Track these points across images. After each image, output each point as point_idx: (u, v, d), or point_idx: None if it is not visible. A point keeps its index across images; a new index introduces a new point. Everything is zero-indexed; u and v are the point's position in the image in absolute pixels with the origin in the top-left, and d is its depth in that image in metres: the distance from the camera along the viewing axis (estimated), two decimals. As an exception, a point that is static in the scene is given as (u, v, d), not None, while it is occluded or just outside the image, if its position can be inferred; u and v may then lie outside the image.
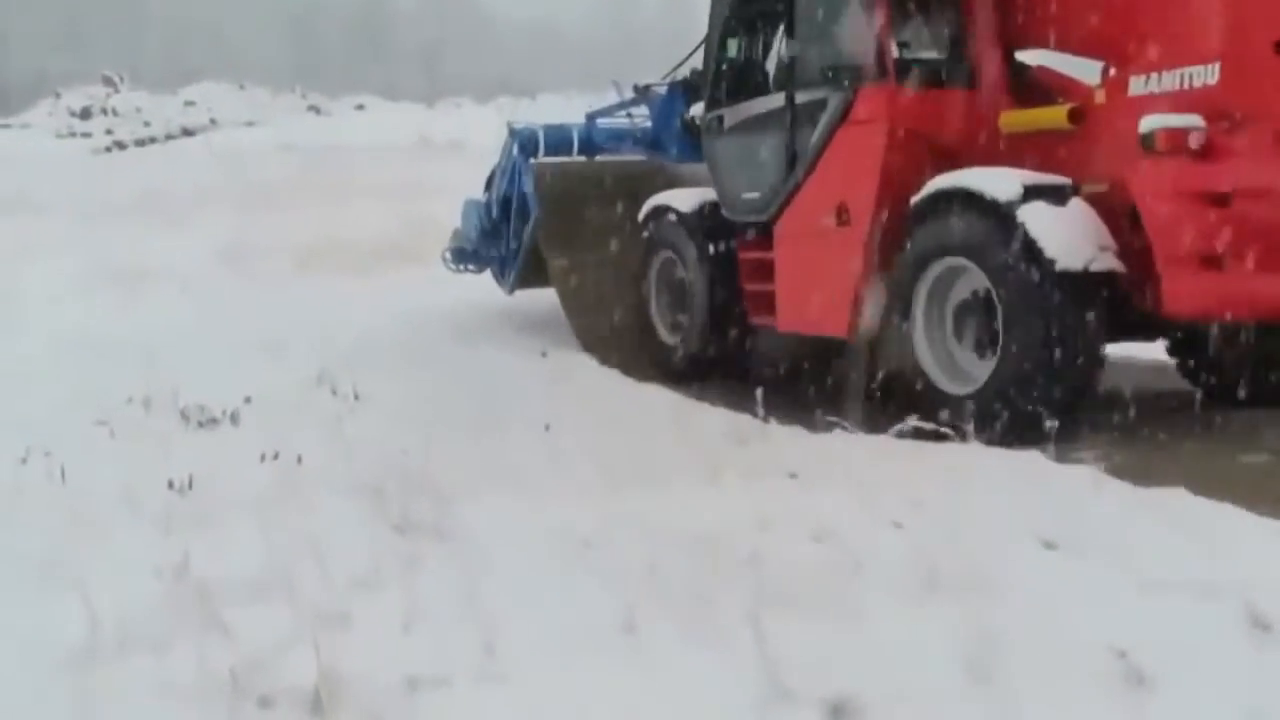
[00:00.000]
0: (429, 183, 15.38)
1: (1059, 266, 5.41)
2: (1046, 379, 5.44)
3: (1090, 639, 3.01)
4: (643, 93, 9.51)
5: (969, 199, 5.76)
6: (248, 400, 6.44)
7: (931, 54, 6.74)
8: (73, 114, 34.75)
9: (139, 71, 38.50)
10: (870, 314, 6.53)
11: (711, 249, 7.84)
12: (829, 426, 5.64)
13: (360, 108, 37.01)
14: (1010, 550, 3.66)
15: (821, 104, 6.76)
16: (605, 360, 8.22)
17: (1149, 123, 5.28)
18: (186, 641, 3.15)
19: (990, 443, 5.13)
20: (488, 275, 10.21)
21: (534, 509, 4.35)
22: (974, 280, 5.88)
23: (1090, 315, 5.48)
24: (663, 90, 9.33)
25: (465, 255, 10.26)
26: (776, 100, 7.21)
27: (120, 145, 31.34)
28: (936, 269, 6.04)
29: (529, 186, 9.18)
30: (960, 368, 6.04)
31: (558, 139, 9.56)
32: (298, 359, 7.64)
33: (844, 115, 6.62)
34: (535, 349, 8.50)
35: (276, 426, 5.73)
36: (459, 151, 21.15)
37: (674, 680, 2.99)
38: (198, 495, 4.69)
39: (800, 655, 2.99)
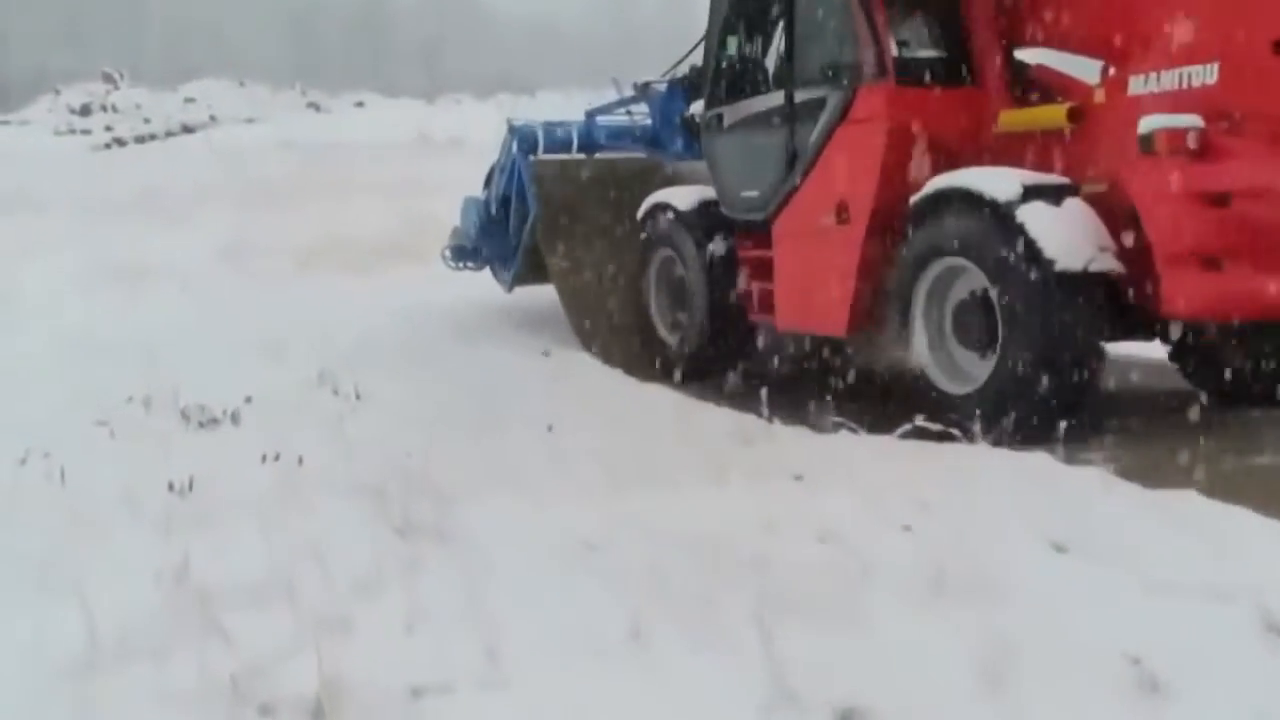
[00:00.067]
0: (429, 180, 15.34)
1: (1058, 267, 5.41)
2: (1046, 379, 5.42)
3: (1102, 644, 2.98)
4: (642, 90, 9.49)
5: (968, 199, 5.75)
6: (248, 400, 6.40)
7: (931, 52, 6.71)
8: (72, 111, 34.71)
9: (139, 68, 38.45)
10: (869, 313, 6.48)
11: (710, 247, 7.81)
12: (834, 426, 5.60)
13: (360, 105, 36.97)
14: (1019, 553, 3.62)
15: (821, 102, 6.74)
16: (607, 359, 8.19)
17: (1148, 123, 5.27)
18: (186, 648, 3.11)
19: (997, 443, 5.09)
20: (487, 273, 10.18)
21: (536, 510, 4.32)
22: (973, 280, 5.87)
23: (1089, 315, 5.48)
24: (662, 88, 9.31)
25: (465, 253, 10.24)
26: (776, 98, 7.19)
27: (120, 142, 31.31)
28: (936, 269, 6.03)
29: (528, 184, 9.15)
30: (960, 367, 6.03)
31: (557, 136, 9.54)
32: (298, 358, 7.60)
33: (843, 114, 6.60)
34: (536, 347, 8.46)
35: (277, 426, 5.70)
36: (459, 148, 21.09)
37: (679, 686, 2.96)
38: (198, 497, 4.65)
39: (807, 660, 2.95)
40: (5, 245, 12.96)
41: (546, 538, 3.94)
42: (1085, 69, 6.09)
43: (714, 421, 6.20)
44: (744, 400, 6.56)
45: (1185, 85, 5.38)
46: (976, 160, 6.09)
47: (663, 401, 6.94)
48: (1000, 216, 5.57)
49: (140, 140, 31.30)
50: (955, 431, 5.10)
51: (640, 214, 8.56)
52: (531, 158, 9.31)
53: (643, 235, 8.53)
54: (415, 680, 2.95)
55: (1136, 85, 5.63)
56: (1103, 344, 5.61)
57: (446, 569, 3.67)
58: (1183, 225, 5.20)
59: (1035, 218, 5.50)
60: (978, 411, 5.51)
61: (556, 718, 2.86)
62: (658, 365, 8.19)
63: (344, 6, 57.47)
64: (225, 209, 15.70)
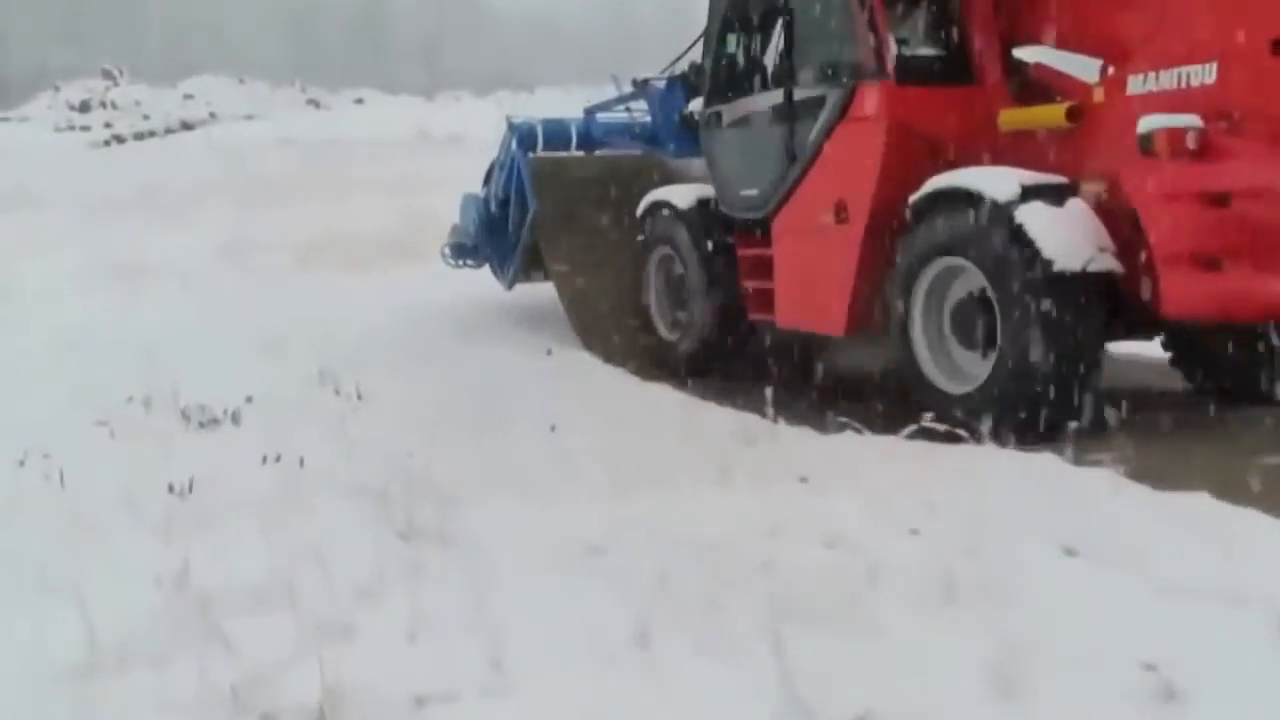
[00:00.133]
0: (429, 177, 15.31)
1: (1057, 267, 5.39)
2: (1045, 379, 5.40)
3: (1117, 650, 2.93)
4: (641, 87, 9.46)
5: (967, 198, 5.73)
6: (249, 400, 6.36)
7: (930, 51, 6.69)
8: (71, 107, 34.68)
9: (138, 65, 38.43)
10: (868, 312, 6.45)
11: (710, 245, 7.79)
12: (838, 426, 5.56)
13: (360, 101, 36.95)
14: (1030, 557, 3.58)
15: (820, 101, 6.71)
16: (607, 357, 8.15)
17: (1147, 123, 5.24)
18: (187, 654, 3.08)
19: (1004, 444, 5.05)
20: (487, 270, 10.15)
21: (540, 513, 4.28)
22: (972, 280, 5.84)
23: (1088, 315, 5.45)
24: (661, 85, 9.28)
25: (464, 250, 10.20)
26: (775, 96, 7.15)
27: (119, 139, 31.29)
28: (934, 268, 6.01)
29: (528, 181, 9.11)
30: (959, 367, 6.00)
31: (556, 133, 9.52)
32: (299, 357, 7.56)
33: (842, 112, 6.57)
34: (538, 346, 8.42)
35: (278, 427, 5.66)
36: (458, 145, 21.07)
37: (687, 693, 2.92)
38: (198, 498, 4.62)
39: (817, 667, 2.91)
40: (5, 243, 12.93)
41: (550, 541, 3.90)
42: (1084, 68, 6.06)
43: (717, 421, 6.16)
44: (746, 399, 6.51)
45: (1184, 85, 5.35)
46: (976, 159, 6.06)
47: (665, 401, 6.90)
48: (999, 216, 5.55)
49: (140, 137, 31.29)
50: (962, 432, 5.06)
51: (639, 212, 8.53)
52: (531, 155, 9.28)
53: (642, 233, 8.50)
54: (419, 688, 2.91)
55: (1135, 85, 5.60)
56: (1102, 344, 5.59)
57: (449, 573, 3.63)
58: (1182, 225, 5.17)
59: (1034, 217, 5.48)
60: (977, 411, 5.49)
61: (562, 727, 2.82)
62: (658, 363, 8.14)
63: (344, 3, 57.49)
64: (225, 206, 15.67)
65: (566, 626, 3.24)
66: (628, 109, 9.66)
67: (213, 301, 10.36)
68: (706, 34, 8.07)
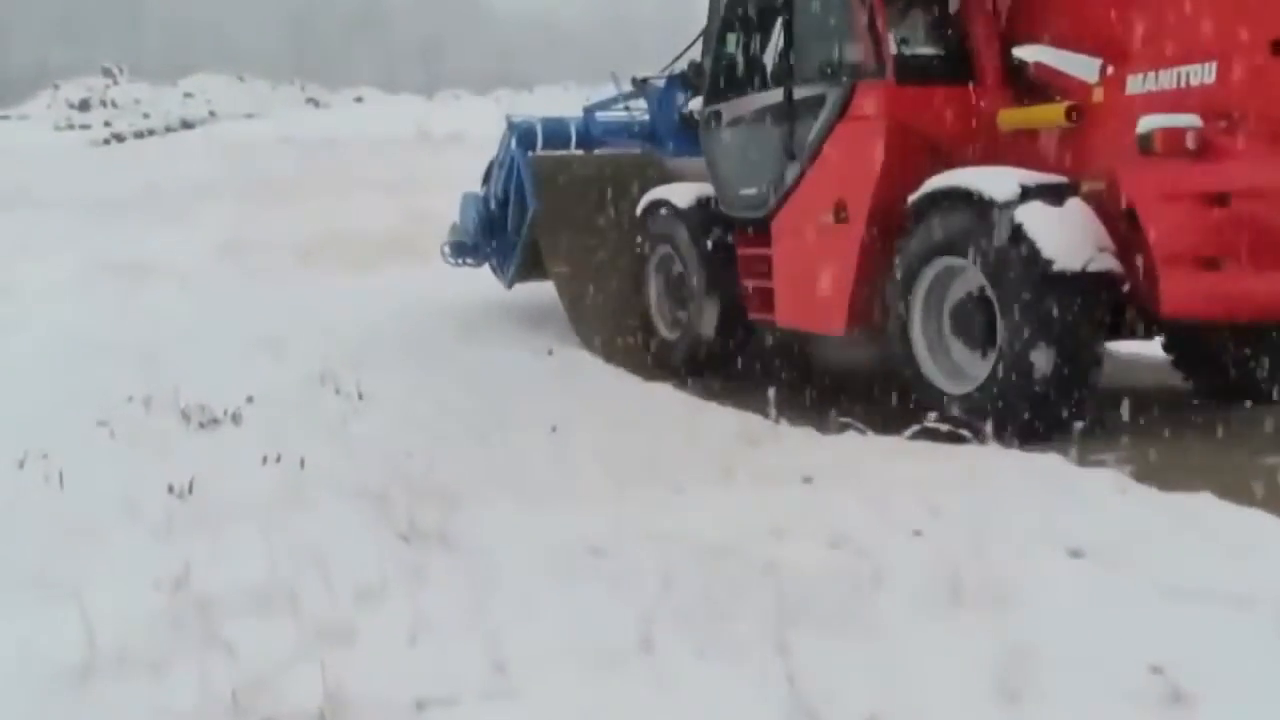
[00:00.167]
0: (428, 175, 15.29)
1: (1057, 267, 5.38)
2: (1044, 379, 5.39)
3: (1123, 653, 2.91)
4: (641, 86, 9.44)
5: (966, 198, 5.72)
6: (250, 400, 6.32)
7: (930, 50, 6.67)
8: (71, 106, 34.70)
9: (138, 63, 38.49)
10: (868, 312, 6.45)
11: (709, 244, 7.76)
12: (841, 427, 5.54)
13: (359, 100, 36.98)
14: (1035, 559, 3.55)
15: (820, 100, 6.69)
16: (607, 356, 8.13)
17: (1146, 123, 5.22)
18: (186, 659, 3.05)
19: (1007, 445, 5.03)
20: (487, 269, 10.12)
21: (542, 515, 4.25)
22: (972, 279, 5.83)
23: (1088, 315, 5.44)
24: (660, 83, 9.26)
25: (464, 249, 10.18)
26: (774, 95, 7.12)
27: (119, 138, 31.30)
28: (934, 268, 6.00)
29: (527, 180, 9.09)
30: (958, 367, 5.99)
31: (556, 132, 9.49)
32: (299, 356, 7.53)
33: (842, 111, 6.55)
34: (539, 345, 8.39)
35: (279, 427, 5.63)
36: (458, 143, 21.07)
37: (691, 697, 2.90)
38: (198, 500, 4.58)
39: (823, 672, 2.90)
40: (4, 242, 12.91)
41: (552, 543, 3.88)
42: (1084, 67, 6.05)
43: (719, 422, 6.13)
44: (748, 398, 6.50)
45: (1183, 84, 5.34)
46: (975, 159, 6.05)
47: (667, 401, 6.88)
48: (999, 216, 5.55)
49: (140, 136, 31.30)
50: (965, 432, 5.04)
51: (639, 210, 8.50)
52: (530, 154, 9.25)
53: (641, 232, 8.47)
54: (420, 692, 2.89)
55: (1135, 84, 5.60)
56: (1101, 344, 5.58)
57: (451, 576, 3.61)
58: (1181, 225, 5.16)
59: (1034, 217, 5.47)
60: (976, 411, 5.48)
61: (566, 732, 2.80)
62: (658, 363, 8.12)
63: (344, 2, 57.52)
64: (225, 205, 15.67)
65: (569, 629, 3.21)
66: (627, 108, 9.65)
67: (213, 300, 10.33)
68: (706, 33, 8.05)
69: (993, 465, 4.70)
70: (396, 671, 3.00)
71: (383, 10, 57.66)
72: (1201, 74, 5.26)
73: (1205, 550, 3.61)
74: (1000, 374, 5.57)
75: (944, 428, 5.10)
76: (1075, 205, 5.57)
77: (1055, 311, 5.37)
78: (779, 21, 7.23)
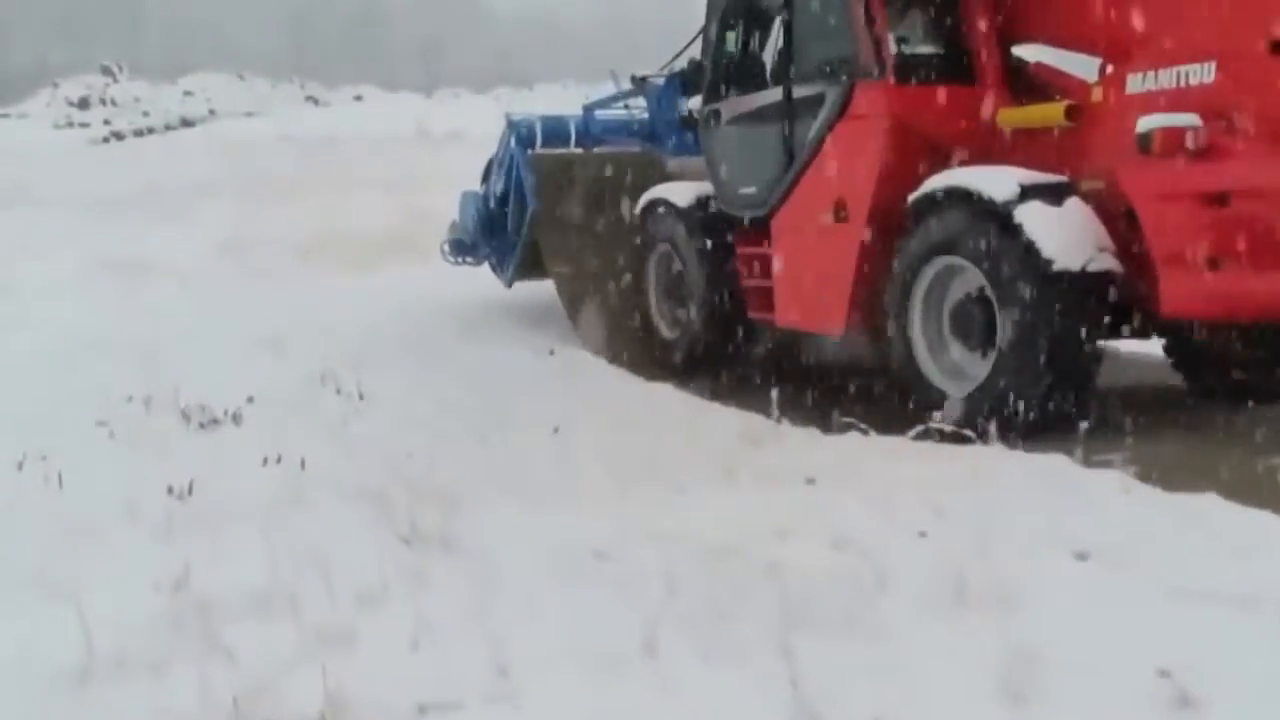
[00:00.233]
0: (428, 174, 15.26)
1: (1056, 266, 5.36)
2: (1044, 379, 5.38)
3: (1130, 656, 2.89)
4: (640, 84, 9.42)
5: (966, 198, 5.70)
6: (250, 400, 6.30)
7: (929, 48, 6.65)
8: (71, 104, 34.69)
9: (138, 61, 38.51)
10: (867, 312, 6.43)
11: (709, 243, 7.74)
12: (843, 427, 5.51)
13: (359, 98, 36.97)
14: (1041, 560, 3.53)
15: (819, 99, 6.67)
16: (606, 355, 8.11)
17: (1146, 123, 5.20)
18: (186, 662, 3.03)
19: (1011, 445, 5.01)
20: (487, 267, 10.10)
21: (544, 517, 4.23)
22: (971, 279, 5.81)
23: (1087, 315, 5.43)
24: (660, 82, 9.24)
25: (463, 247, 10.17)
26: (774, 94, 7.10)
27: (118, 136, 31.30)
28: (933, 268, 5.98)
29: (526, 178, 9.07)
30: (958, 366, 5.97)
31: (555, 130, 9.48)
32: (300, 356, 7.51)
33: (841, 110, 6.53)
34: (540, 344, 8.37)
35: (279, 427, 5.60)
36: (457, 142, 21.07)
37: (695, 700, 2.88)
38: (198, 501, 4.55)
39: (827, 675, 2.88)
40: (4, 240, 12.89)
41: (555, 545, 3.85)
42: (1083, 66, 6.04)
43: (722, 422, 6.10)
44: (750, 398, 6.48)
45: (1182, 84, 5.33)
46: (975, 158, 6.04)
47: (669, 401, 6.84)
48: (998, 216, 5.53)
49: (139, 134, 31.30)
50: (969, 433, 5.02)
51: (638, 209, 8.48)
52: (530, 152, 9.23)
53: (641, 231, 8.45)
54: (422, 697, 2.86)
55: (1134, 84, 5.58)
56: (1101, 343, 5.57)
57: (453, 579, 3.59)
58: (1180, 225, 5.14)
59: (1033, 217, 5.45)
60: (976, 411, 5.47)
61: (569, 736, 2.78)
62: (658, 362, 8.09)
63: (343, 1, 57.48)
64: (225, 203, 15.64)
65: (571, 632, 3.19)
66: (626, 106, 9.64)
67: (213, 299, 10.31)
68: (705, 31, 8.02)
69: (997, 465, 4.68)
70: (398, 675, 2.98)
71: (382, 9, 57.64)
72: (1200, 73, 5.24)
73: (1211, 551, 3.59)
74: (1000, 374, 5.55)
75: (948, 428, 5.08)
76: (1074, 205, 5.55)
77: (1055, 311, 5.36)
78: (778, 20, 7.21)
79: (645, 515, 4.21)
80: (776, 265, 7.17)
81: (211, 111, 33.28)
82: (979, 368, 5.78)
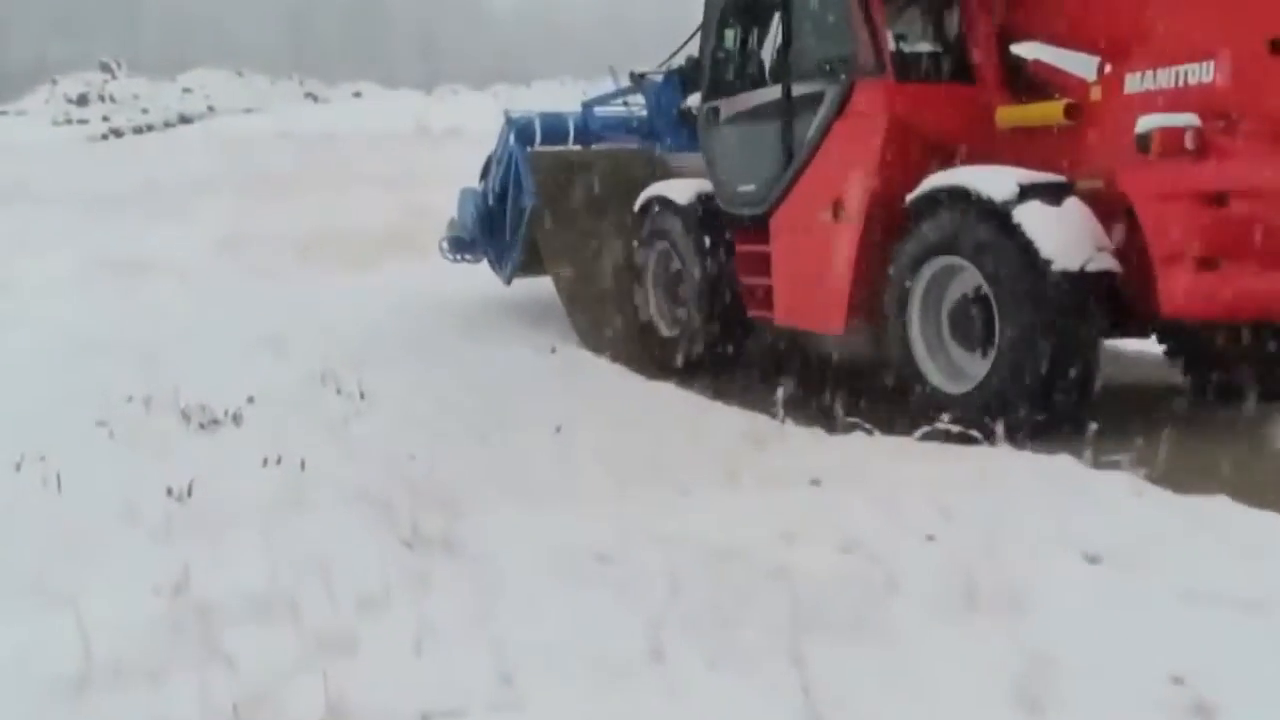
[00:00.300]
0: (427, 170, 15.22)
1: (1055, 266, 5.35)
2: (1043, 378, 5.36)
3: (1143, 661, 2.87)
4: (639, 81, 9.39)
5: (964, 197, 5.68)
6: (250, 400, 6.25)
7: (929, 47, 6.64)
8: (70, 101, 34.63)
9: (137, 58, 38.46)
10: (866, 311, 6.40)
11: (708, 241, 7.71)
12: (848, 427, 5.47)
13: (358, 95, 36.94)
14: (1051, 564, 3.50)
15: (818, 97, 6.64)
16: (606, 354, 8.07)
17: (1145, 123, 5.20)
18: (185, 669, 2.98)
19: (1019, 446, 4.96)
20: (486, 265, 10.07)
21: (547, 519, 4.18)
22: (970, 279, 5.79)
23: (1086, 315, 5.41)
24: (658, 79, 9.21)
25: (462, 245, 10.14)
26: (773, 92, 7.07)
27: (117, 133, 31.25)
28: (932, 267, 5.96)
29: (525, 175, 9.04)
30: (957, 366, 5.95)
31: (554, 127, 9.47)
32: (300, 355, 7.46)
33: (840, 108, 6.51)
34: (541, 343, 8.33)
35: (280, 428, 5.54)
36: (457, 138, 21.03)
37: (702, 706, 2.84)
38: (198, 503, 4.49)
39: (836, 681, 2.84)
40: (2, 238, 12.83)
41: (558, 549, 3.80)
42: (1083, 65, 6.01)
43: (725, 421, 6.07)
44: (752, 397, 6.44)
45: (1181, 83, 5.32)
46: (974, 157, 6.01)
47: (671, 400, 6.80)
48: (997, 215, 5.51)
49: (138, 131, 31.24)
50: (975, 433, 4.98)
51: (637, 207, 8.44)
52: (528, 149, 9.19)
53: (639, 228, 8.41)
54: (424, 703, 2.82)
55: (1133, 83, 5.57)
56: (1100, 343, 5.55)
57: (455, 583, 3.54)
58: (1179, 224, 5.13)
59: (1032, 217, 5.44)
60: (975, 411, 5.43)
61: (573, 743, 2.74)
62: (657, 361, 8.06)
63: (342, -4, 57.44)
64: (224, 200, 15.59)
65: (576, 637, 3.15)
66: (625, 103, 9.61)
67: (212, 297, 10.25)
68: (704, 28, 7.98)
69: (1004, 467, 4.64)
70: (400, 682, 2.94)
71: (381, 5, 57.57)
72: (1200, 73, 5.24)
73: (1221, 553, 3.57)
74: (999, 374, 5.53)
75: (955, 428, 5.04)
76: (1073, 204, 5.54)
77: (1053, 311, 5.34)
78: (777, 17, 7.17)
79: (648, 517, 4.17)
80: (775, 263, 7.14)
81: (210, 108, 33.23)
82: (978, 367, 5.76)
